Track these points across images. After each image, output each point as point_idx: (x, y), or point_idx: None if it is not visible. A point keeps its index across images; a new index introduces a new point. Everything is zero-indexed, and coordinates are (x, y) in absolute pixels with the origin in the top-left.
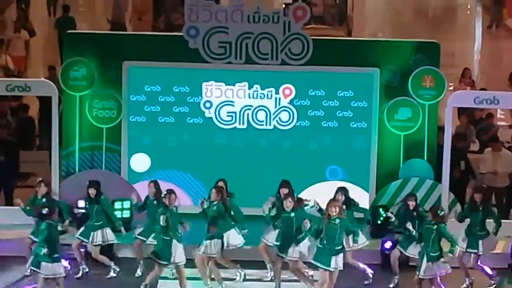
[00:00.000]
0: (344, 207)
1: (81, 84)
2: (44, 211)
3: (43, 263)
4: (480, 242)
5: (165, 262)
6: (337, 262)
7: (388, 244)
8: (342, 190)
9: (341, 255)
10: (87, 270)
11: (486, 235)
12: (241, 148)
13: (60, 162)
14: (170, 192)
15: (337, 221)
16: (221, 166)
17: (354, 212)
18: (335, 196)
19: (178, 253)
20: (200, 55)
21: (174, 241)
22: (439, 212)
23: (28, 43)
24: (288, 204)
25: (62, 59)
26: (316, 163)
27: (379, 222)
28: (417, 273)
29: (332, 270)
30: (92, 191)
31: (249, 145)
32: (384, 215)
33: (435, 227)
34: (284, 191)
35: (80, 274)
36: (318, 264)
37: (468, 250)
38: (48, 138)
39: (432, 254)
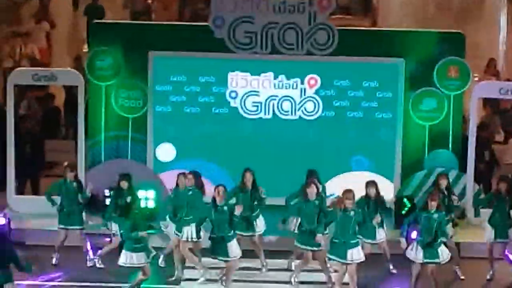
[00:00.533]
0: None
1: (107, 74)
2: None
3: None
4: (510, 230)
5: (223, 259)
6: (353, 254)
7: (414, 234)
8: (373, 184)
9: (359, 247)
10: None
11: None
12: (266, 138)
13: (86, 152)
14: (217, 186)
15: (352, 213)
16: (246, 156)
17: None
18: (366, 190)
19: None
20: (226, 45)
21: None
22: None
23: (50, 35)
24: (312, 190)
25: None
26: (341, 153)
27: (403, 212)
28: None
29: (349, 262)
30: (124, 184)
31: (274, 135)
32: (409, 205)
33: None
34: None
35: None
36: (335, 258)
37: (498, 240)
38: (74, 127)
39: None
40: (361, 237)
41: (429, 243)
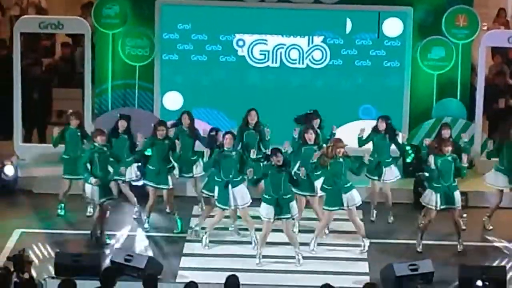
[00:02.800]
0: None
1: (114, 22)
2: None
3: None
4: None
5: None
6: (348, 200)
7: None
8: (385, 118)
9: (354, 191)
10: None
11: None
12: (273, 86)
13: (93, 100)
14: (226, 133)
15: (341, 159)
16: (253, 104)
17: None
18: (377, 124)
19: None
20: None
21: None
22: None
23: None
24: (310, 136)
25: None
26: (349, 102)
27: (408, 160)
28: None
29: (349, 208)
30: (123, 124)
31: (281, 84)
32: (413, 154)
33: (451, 158)
34: (316, 121)
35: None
36: (332, 208)
37: (510, 185)
38: (82, 76)
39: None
40: (368, 175)
41: (447, 188)
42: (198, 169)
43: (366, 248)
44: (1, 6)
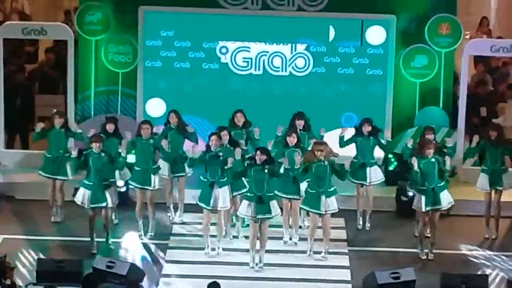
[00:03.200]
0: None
1: (97, 29)
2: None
3: None
4: (503, 176)
5: (209, 208)
6: (325, 205)
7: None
8: (368, 120)
9: (333, 197)
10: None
11: (506, 170)
12: (257, 94)
13: (76, 106)
14: (212, 134)
15: (325, 162)
16: None
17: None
18: (361, 127)
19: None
20: (217, 0)
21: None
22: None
23: None
24: (292, 139)
25: None
26: (332, 109)
27: (390, 168)
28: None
29: (323, 213)
30: (111, 127)
31: (264, 91)
32: (395, 162)
33: (434, 160)
34: (300, 123)
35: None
36: (309, 209)
37: (493, 187)
38: (64, 82)
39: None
40: (352, 179)
41: (432, 190)
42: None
43: (326, 256)
44: None
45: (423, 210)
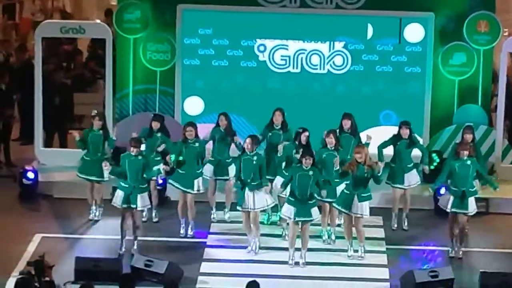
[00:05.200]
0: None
1: (135, 27)
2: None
3: None
4: None
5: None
6: (359, 208)
7: (442, 190)
8: (407, 124)
9: (367, 203)
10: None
11: None
12: (294, 92)
13: (114, 105)
14: (247, 137)
15: (366, 168)
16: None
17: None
18: (399, 131)
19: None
20: None
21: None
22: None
23: None
24: (330, 140)
25: None
26: (370, 107)
27: (432, 167)
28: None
29: (359, 216)
30: (156, 124)
31: (302, 89)
32: (438, 160)
33: (469, 162)
34: (346, 123)
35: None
36: (340, 209)
37: None
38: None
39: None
40: (390, 182)
41: (462, 193)
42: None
43: (363, 255)
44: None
45: (448, 209)
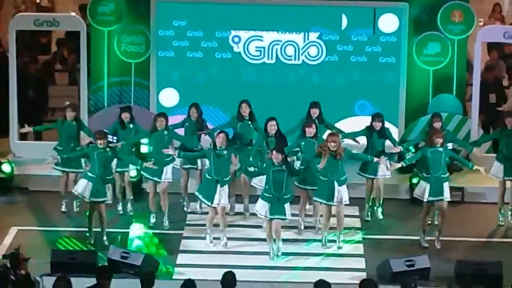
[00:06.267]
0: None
1: (110, 19)
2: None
3: None
4: None
5: (209, 203)
6: (343, 194)
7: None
8: (379, 116)
9: (345, 186)
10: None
11: None
12: (270, 83)
13: (89, 97)
14: (220, 132)
15: (338, 156)
16: (250, 101)
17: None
18: (371, 123)
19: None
20: None
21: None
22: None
23: None
24: (311, 130)
25: None
26: (345, 98)
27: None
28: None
29: (336, 204)
30: (126, 115)
31: (277, 80)
32: (413, 150)
33: (441, 149)
34: (315, 112)
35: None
36: (326, 202)
37: (506, 178)
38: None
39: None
40: (362, 173)
41: (436, 179)
42: (203, 162)
43: (341, 244)
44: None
45: (425, 199)
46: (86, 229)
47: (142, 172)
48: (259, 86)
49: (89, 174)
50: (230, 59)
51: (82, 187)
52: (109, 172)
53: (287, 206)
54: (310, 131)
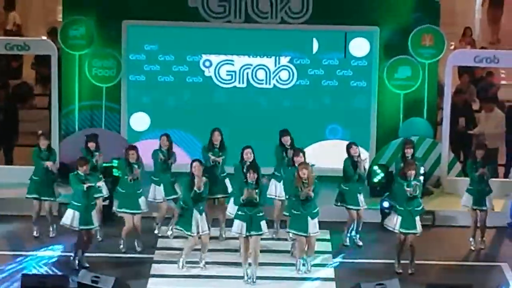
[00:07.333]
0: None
1: (81, 43)
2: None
3: None
4: (487, 198)
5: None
6: (316, 225)
7: (386, 204)
8: (355, 144)
9: (317, 219)
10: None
11: (491, 191)
12: (241, 107)
13: (60, 121)
14: (194, 160)
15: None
16: (221, 125)
17: None
18: (349, 150)
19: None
20: (200, 13)
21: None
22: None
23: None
24: (299, 159)
25: None
26: (316, 122)
27: (375, 180)
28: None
29: (312, 235)
30: (92, 144)
31: (248, 104)
32: (381, 173)
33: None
34: (287, 139)
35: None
36: (301, 234)
37: (474, 207)
38: (48, 97)
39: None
40: (344, 204)
41: (408, 213)
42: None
43: (310, 268)
44: None
45: (396, 230)
46: (60, 253)
47: (119, 210)
48: (230, 110)
49: (74, 203)
50: (201, 83)
51: (70, 218)
52: (92, 198)
53: (263, 223)
54: (298, 159)
